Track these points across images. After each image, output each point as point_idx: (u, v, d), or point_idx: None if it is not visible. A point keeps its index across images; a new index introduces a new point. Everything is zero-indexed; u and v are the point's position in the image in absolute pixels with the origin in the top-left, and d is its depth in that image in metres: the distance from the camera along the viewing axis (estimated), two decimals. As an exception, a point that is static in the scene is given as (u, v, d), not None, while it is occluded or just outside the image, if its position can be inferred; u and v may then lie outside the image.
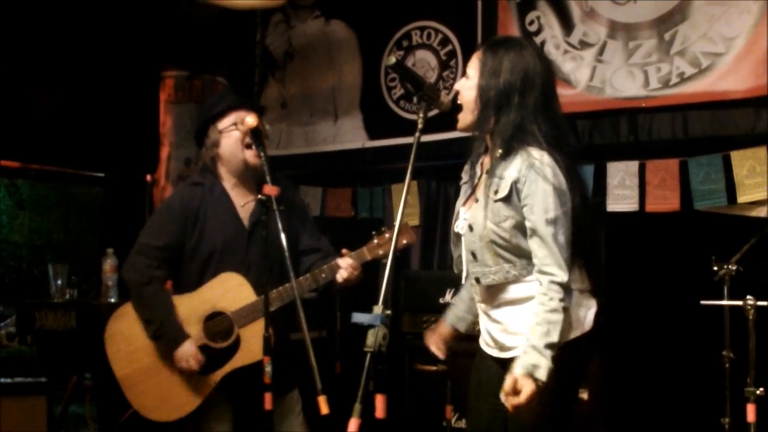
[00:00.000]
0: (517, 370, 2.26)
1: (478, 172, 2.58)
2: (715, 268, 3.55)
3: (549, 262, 2.31)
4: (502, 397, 2.27)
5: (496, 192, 2.40)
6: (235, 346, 3.12)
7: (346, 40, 5.32)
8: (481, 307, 2.57)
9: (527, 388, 2.23)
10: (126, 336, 3.20)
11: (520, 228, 2.38)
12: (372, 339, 2.05)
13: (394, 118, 5.06)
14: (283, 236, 2.76)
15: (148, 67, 5.72)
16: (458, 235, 2.57)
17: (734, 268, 3.52)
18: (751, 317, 3.40)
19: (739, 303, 3.44)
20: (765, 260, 3.75)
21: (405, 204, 2.30)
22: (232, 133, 3.20)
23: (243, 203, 3.22)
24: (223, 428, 3.18)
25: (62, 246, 10.09)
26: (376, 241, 3.18)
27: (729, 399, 3.50)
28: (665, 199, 4.10)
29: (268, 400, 2.72)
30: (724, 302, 3.52)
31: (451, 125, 2.58)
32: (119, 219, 5.84)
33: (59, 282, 4.45)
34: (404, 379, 4.23)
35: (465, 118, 2.52)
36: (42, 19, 5.18)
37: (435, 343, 2.79)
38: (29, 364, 5.10)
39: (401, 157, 4.56)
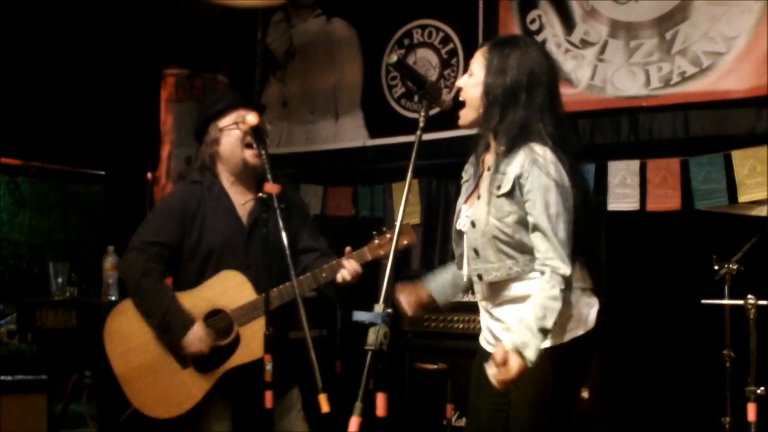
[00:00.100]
0: (507, 345, 2.25)
1: (480, 170, 2.58)
2: (716, 268, 3.54)
3: (552, 255, 2.31)
4: (490, 370, 2.26)
5: (498, 187, 2.40)
6: (234, 344, 3.12)
7: (347, 38, 5.32)
8: (482, 305, 2.57)
9: (514, 364, 2.23)
10: (125, 333, 3.20)
11: (523, 223, 2.38)
12: (373, 337, 2.05)
13: (395, 116, 5.06)
14: (284, 235, 2.76)
15: (149, 66, 5.71)
16: (460, 233, 2.57)
17: (735, 267, 3.51)
18: (751, 316, 3.40)
19: (740, 302, 3.43)
20: (766, 259, 3.74)
21: (406, 203, 2.30)
22: (233, 132, 3.20)
23: (243, 202, 3.22)
24: (223, 426, 3.18)
25: (62, 244, 10.09)
26: (377, 241, 3.18)
27: (730, 398, 3.50)
28: (666, 199, 4.09)
29: (268, 398, 2.72)
30: (725, 301, 3.52)
31: (453, 124, 2.58)
32: (120, 217, 5.84)
33: (60, 280, 4.45)
34: (404, 378, 4.23)
35: (467, 114, 2.52)
36: (43, 17, 5.18)
37: (407, 299, 2.74)
38: (30, 362, 5.12)
39: (402, 155, 4.54)
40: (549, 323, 2.28)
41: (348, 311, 2.93)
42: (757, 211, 3.90)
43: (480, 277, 2.49)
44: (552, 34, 4.44)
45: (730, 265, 3.52)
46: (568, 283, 2.31)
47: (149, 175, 5.89)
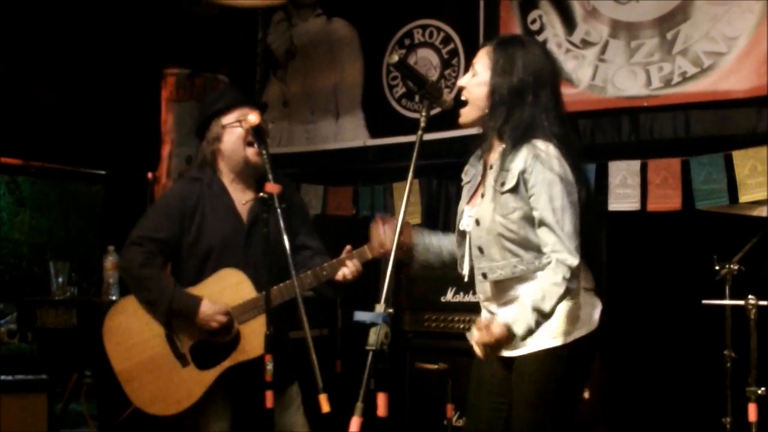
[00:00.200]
0: (499, 318, 2.28)
1: (482, 169, 2.58)
2: (717, 268, 3.54)
3: (559, 248, 2.32)
4: (470, 335, 2.27)
5: (502, 184, 2.40)
6: (234, 343, 3.12)
7: (348, 38, 5.32)
8: (485, 305, 2.57)
9: (497, 330, 2.25)
10: (124, 330, 3.20)
11: (528, 219, 2.39)
12: (374, 337, 2.05)
13: (395, 116, 5.06)
14: (284, 234, 2.76)
15: (150, 65, 5.71)
16: (463, 235, 2.57)
17: (736, 267, 3.51)
18: (752, 317, 3.40)
19: (741, 302, 3.43)
20: (766, 260, 3.74)
21: (407, 203, 2.30)
22: (236, 130, 3.21)
23: (244, 201, 3.22)
24: (222, 425, 3.18)
25: (63, 244, 10.10)
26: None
27: (730, 398, 3.50)
28: (667, 199, 4.09)
29: (269, 398, 2.72)
30: (726, 302, 3.52)
31: (454, 124, 2.58)
32: (120, 217, 5.82)
33: (60, 279, 4.45)
34: (405, 378, 4.23)
35: (469, 113, 2.52)
36: (44, 17, 5.18)
37: (384, 229, 2.76)
38: (30, 361, 5.11)
39: (403, 155, 4.55)
40: (546, 306, 2.28)
41: (349, 311, 2.92)
42: (757, 212, 3.89)
43: (485, 275, 2.49)
44: (553, 34, 4.43)
45: (731, 266, 3.52)
46: (574, 273, 2.31)
47: (150, 174, 5.88)
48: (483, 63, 2.51)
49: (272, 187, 2.81)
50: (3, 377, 4.44)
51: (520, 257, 2.42)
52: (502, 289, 2.47)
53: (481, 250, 2.48)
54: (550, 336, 2.42)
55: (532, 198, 2.37)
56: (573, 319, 2.42)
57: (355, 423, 2.01)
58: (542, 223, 2.35)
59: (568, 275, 2.29)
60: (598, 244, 2.67)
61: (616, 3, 4.25)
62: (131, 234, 3.20)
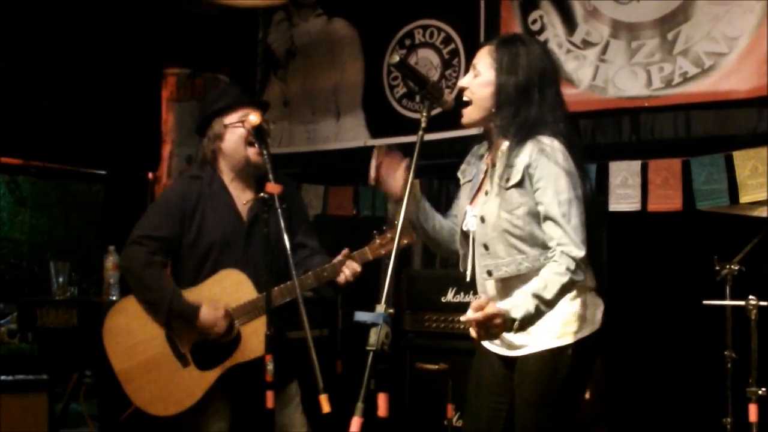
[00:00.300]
0: (499, 304, 2.24)
1: (484, 168, 2.58)
2: (718, 268, 3.55)
3: (565, 241, 2.31)
4: (464, 316, 2.23)
5: (507, 179, 2.40)
6: (234, 343, 3.12)
7: (349, 38, 5.31)
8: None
9: (490, 309, 2.19)
10: (125, 330, 3.20)
11: (534, 215, 2.38)
12: (374, 338, 2.05)
13: (396, 116, 5.06)
14: (285, 234, 2.76)
15: (150, 65, 5.71)
16: (465, 234, 2.56)
17: (736, 268, 3.52)
18: (753, 317, 3.40)
19: (742, 303, 3.43)
20: (767, 260, 3.74)
21: (408, 203, 2.29)
22: (237, 130, 3.21)
23: (244, 200, 3.22)
24: (222, 425, 3.18)
25: (63, 243, 10.11)
26: (378, 240, 3.18)
27: (731, 399, 3.50)
28: (667, 199, 4.09)
29: (270, 398, 2.72)
30: (727, 302, 3.52)
31: (454, 124, 2.57)
32: (120, 217, 5.82)
33: (60, 279, 4.44)
34: (405, 378, 4.23)
35: (473, 113, 2.51)
36: (43, 17, 5.17)
37: (389, 170, 2.76)
38: (30, 361, 5.11)
39: (403, 156, 4.55)
40: (548, 294, 2.26)
41: (349, 311, 2.92)
42: (758, 212, 3.89)
43: (490, 273, 2.47)
44: (553, 34, 4.43)
45: (732, 266, 3.52)
46: (579, 265, 2.30)
47: (150, 174, 5.88)
48: (485, 63, 2.50)
49: (273, 187, 2.82)
50: (3, 377, 4.44)
51: (526, 254, 2.41)
52: (507, 287, 2.45)
53: (486, 247, 2.47)
54: (555, 336, 2.41)
55: (537, 192, 2.36)
56: (578, 318, 2.42)
57: (355, 423, 2.00)
58: (548, 217, 2.34)
59: (572, 266, 2.28)
60: (598, 244, 2.66)
61: (616, 3, 4.25)
62: (132, 233, 3.19)
